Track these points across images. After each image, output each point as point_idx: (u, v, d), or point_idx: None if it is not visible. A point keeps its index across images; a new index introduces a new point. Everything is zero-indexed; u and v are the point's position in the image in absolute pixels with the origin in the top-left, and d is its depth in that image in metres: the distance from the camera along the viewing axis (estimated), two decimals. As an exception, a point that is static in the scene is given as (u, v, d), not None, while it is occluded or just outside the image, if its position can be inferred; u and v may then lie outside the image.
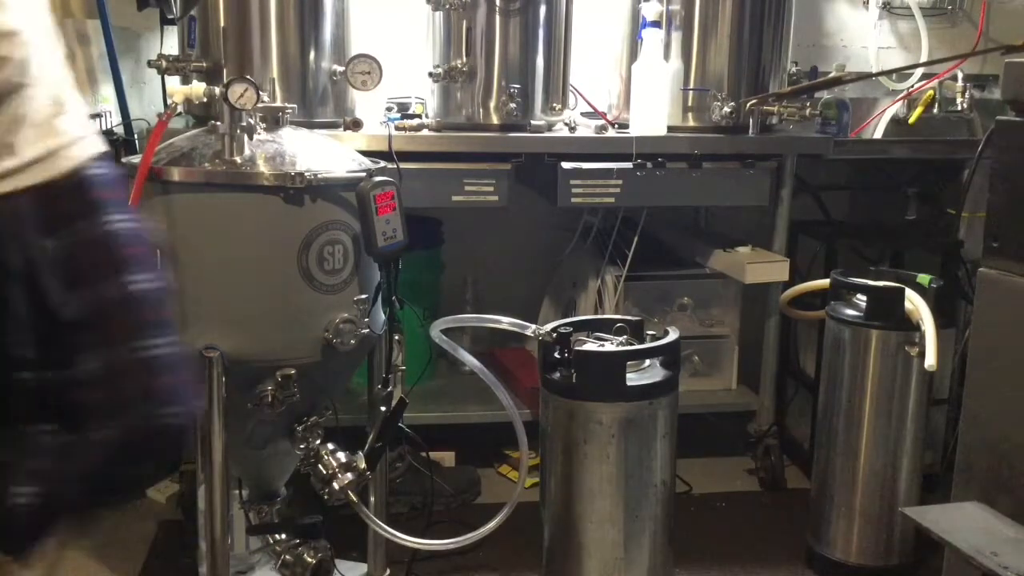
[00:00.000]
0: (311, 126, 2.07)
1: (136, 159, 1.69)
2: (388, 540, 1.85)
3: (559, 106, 2.46)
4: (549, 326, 1.82)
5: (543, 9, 2.35)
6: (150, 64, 2.27)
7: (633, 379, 1.76)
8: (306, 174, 1.58)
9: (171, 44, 2.51)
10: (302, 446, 1.74)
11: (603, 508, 1.79)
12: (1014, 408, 1.59)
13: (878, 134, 2.84)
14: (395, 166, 2.13)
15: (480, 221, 2.79)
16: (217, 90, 1.61)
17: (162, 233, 1.62)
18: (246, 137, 1.62)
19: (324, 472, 1.72)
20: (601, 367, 1.75)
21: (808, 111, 2.36)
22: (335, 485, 1.70)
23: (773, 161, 2.48)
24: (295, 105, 1.92)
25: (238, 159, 1.60)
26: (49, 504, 1.07)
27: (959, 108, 2.69)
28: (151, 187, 1.63)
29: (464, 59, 2.34)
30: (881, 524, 2.17)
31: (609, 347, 1.81)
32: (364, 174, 1.69)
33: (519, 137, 2.37)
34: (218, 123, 1.62)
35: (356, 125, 2.32)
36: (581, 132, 2.46)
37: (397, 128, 2.35)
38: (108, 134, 2.51)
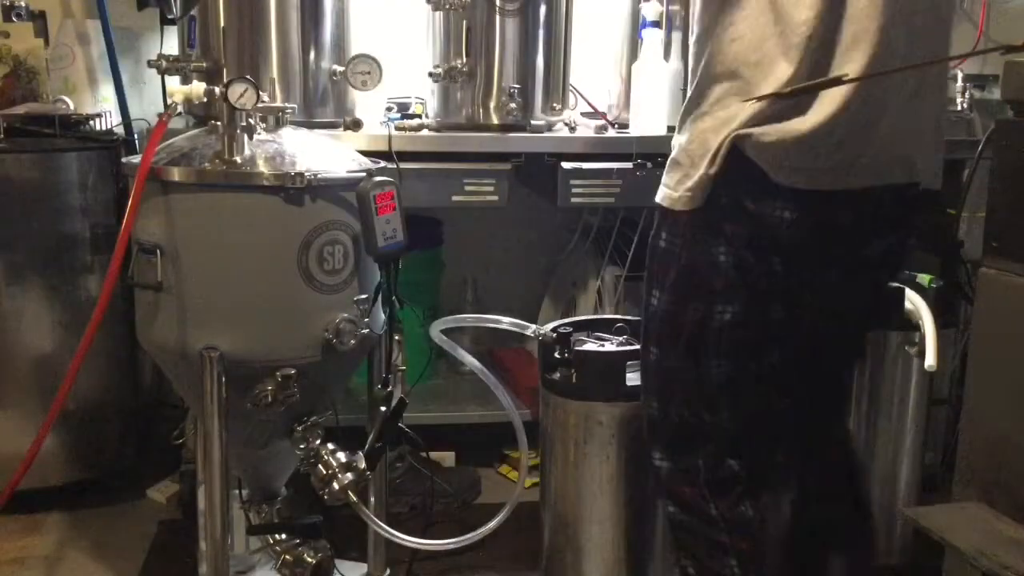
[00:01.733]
0: (311, 126, 2.07)
1: (136, 159, 1.69)
2: (388, 540, 1.85)
3: (559, 106, 2.45)
4: (549, 326, 1.82)
5: (543, 9, 2.35)
6: (150, 64, 2.27)
7: (633, 379, 1.76)
8: (306, 174, 1.58)
9: (171, 44, 2.51)
10: (302, 446, 1.74)
11: (603, 508, 1.78)
12: (1014, 408, 1.59)
13: (878, 134, 2.83)
14: (395, 166, 2.13)
15: (480, 221, 2.79)
16: (217, 90, 1.61)
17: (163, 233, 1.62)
18: (246, 137, 1.62)
19: (324, 472, 1.72)
20: (601, 367, 1.75)
21: (808, 111, 2.36)
22: (335, 485, 1.70)
23: (773, 161, 2.47)
24: (295, 105, 1.92)
25: (238, 159, 1.60)
26: None
27: (959, 108, 2.69)
28: (151, 187, 1.63)
29: (464, 59, 2.34)
30: (881, 524, 2.17)
31: (609, 347, 1.81)
32: (364, 174, 1.69)
33: (519, 137, 2.36)
34: (218, 123, 1.62)
35: (356, 125, 2.32)
36: (581, 132, 2.46)
37: (397, 128, 2.35)
38: (108, 134, 2.52)
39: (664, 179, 1.52)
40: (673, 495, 1.57)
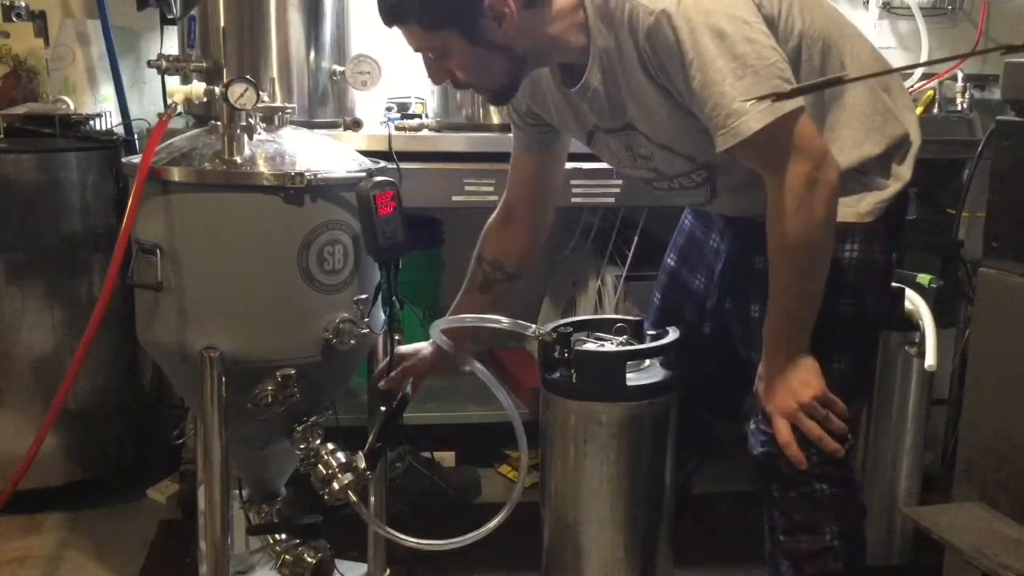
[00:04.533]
0: (311, 126, 2.07)
1: (136, 159, 1.69)
2: (388, 540, 1.85)
3: (559, 106, 2.45)
4: (549, 326, 1.81)
5: (543, 9, 2.35)
6: (150, 64, 2.27)
7: (633, 379, 1.76)
8: (306, 174, 1.58)
9: (171, 44, 2.51)
10: (302, 446, 1.74)
11: (603, 508, 1.78)
12: (1014, 408, 1.59)
13: (878, 134, 2.83)
14: (395, 166, 2.13)
15: (480, 221, 2.78)
16: (217, 90, 1.61)
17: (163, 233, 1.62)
18: (246, 137, 1.62)
19: (324, 472, 1.72)
20: (601, 367, 1.75)
21: (808, 111, 2.36)
22: (335, 485, 1.70)
23: (773, 161, 2.47)
24: (295, 105, 1.92)
25: (238, 159, 1.60)
26: None
27: (959, 108, 2.69)
28: (151, 187, 1.63)
29: (464, 59, 2.33)
30: (881, 524, 2.17)
31: (609, 347, 1.81)
32: (364, 174, 1.69)
33: (519, 137, 2.36)
34: (218, 123, 1.62)
35: (356, 125, 2.32)
36: (581, 132, 2.46)
37: (397, 128, 2.35)
38: (108, 134, 2.52)
39: None
40: (826, 475, 1.64)
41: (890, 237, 1.63)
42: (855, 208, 1.59)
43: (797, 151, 1.42)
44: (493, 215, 1.95)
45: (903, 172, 1.61)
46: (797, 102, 1.41)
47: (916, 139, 1.63)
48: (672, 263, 1.94)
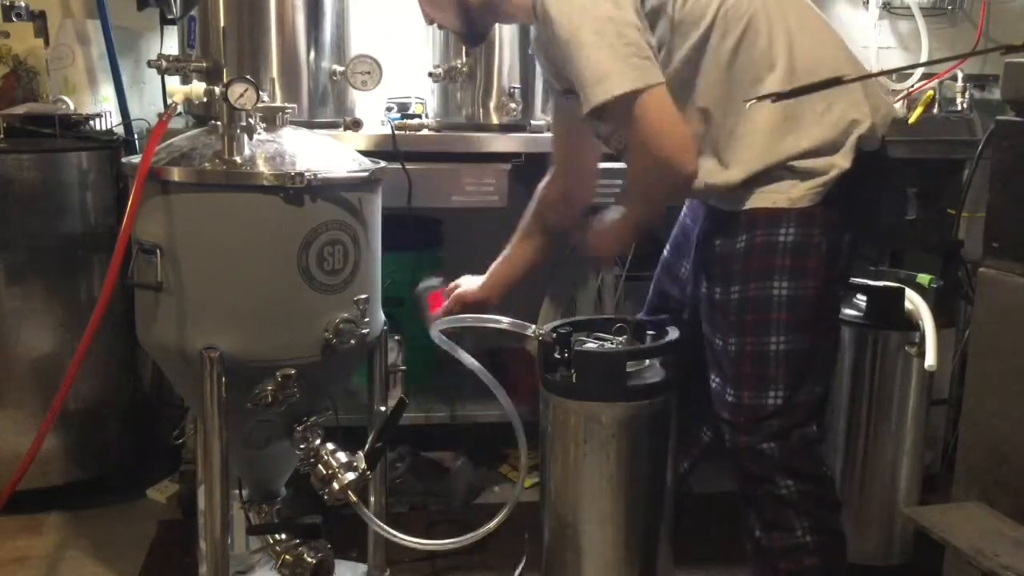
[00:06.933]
0: (311, 126, 2.07)
1: (136, 159, 1.69)
2: (388, 540, 1.85)
3: (559, 106, 2.45)
4: (549, 326, 1.82)
5: (543, 9, 2.35)
6: (150, 64, 2.27)
7: (633, 379, 1.76)
8: (306, 174, 1.58)
9: (171, 44, 2.51)
10: (302, 446, 1.74)
11: (603, 508, 1.78)
12: (1014, 408, 1.59)
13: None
14: (400, 165, 2.13)
15: (480, 221, 2.78)
16: (217, 90, 1.61)
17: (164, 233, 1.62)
18: (246, 137, 1.62)
19: (324, 472, 1.72)
20: (601, 367, 1.75)
21: (808, 111, 2.36)
22: (335, 485, 1.70)
23: (773, 161, 2.47)
24: (295, 105, 1.92)
25: (238, 159, 1.60)
26: None
27: (959, 108, 2.69)
28: (151, 187, 1.63)
29: (464, 59, 2.34)
30: (881, 524, 2.17)
31: (609, 347, 1.81)
32: (365, 174, 1.70)
33: (519, 137, 2.37)
34: (218, 123, 1.62)
35: (356, 125, 2.32)
36: (581, 132, 2.46)
37: (397, 128, 2.35)
38: (108, 134, 2.51)
39: None
40: (791, 470, 1.67)
41: (834, 222, 1.63)
42: (787, 194, 1.62)
43: (648, 133, 1.57)
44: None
45: (840, 160, 1.62)
46: (647, 80, 1.53)
47: (861, 129, 1.63)
48: (665, 254, 2.00)
